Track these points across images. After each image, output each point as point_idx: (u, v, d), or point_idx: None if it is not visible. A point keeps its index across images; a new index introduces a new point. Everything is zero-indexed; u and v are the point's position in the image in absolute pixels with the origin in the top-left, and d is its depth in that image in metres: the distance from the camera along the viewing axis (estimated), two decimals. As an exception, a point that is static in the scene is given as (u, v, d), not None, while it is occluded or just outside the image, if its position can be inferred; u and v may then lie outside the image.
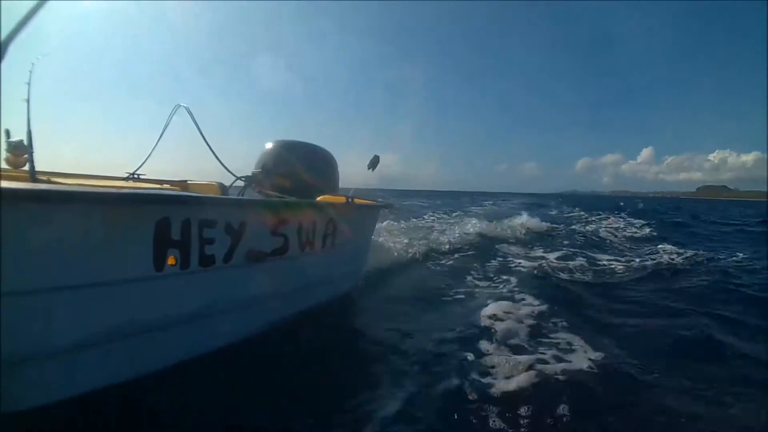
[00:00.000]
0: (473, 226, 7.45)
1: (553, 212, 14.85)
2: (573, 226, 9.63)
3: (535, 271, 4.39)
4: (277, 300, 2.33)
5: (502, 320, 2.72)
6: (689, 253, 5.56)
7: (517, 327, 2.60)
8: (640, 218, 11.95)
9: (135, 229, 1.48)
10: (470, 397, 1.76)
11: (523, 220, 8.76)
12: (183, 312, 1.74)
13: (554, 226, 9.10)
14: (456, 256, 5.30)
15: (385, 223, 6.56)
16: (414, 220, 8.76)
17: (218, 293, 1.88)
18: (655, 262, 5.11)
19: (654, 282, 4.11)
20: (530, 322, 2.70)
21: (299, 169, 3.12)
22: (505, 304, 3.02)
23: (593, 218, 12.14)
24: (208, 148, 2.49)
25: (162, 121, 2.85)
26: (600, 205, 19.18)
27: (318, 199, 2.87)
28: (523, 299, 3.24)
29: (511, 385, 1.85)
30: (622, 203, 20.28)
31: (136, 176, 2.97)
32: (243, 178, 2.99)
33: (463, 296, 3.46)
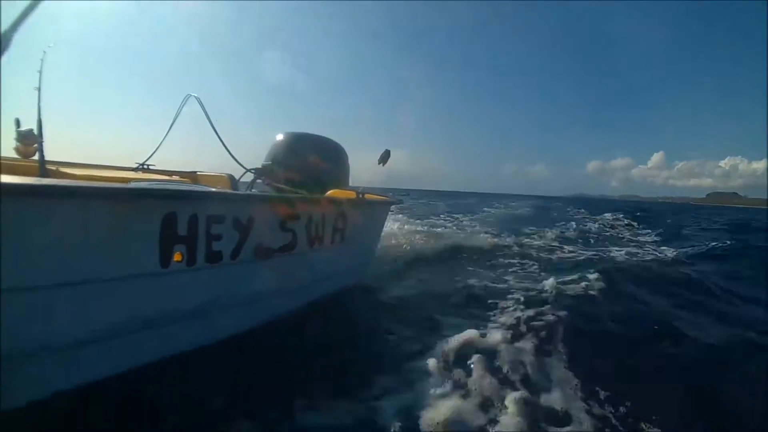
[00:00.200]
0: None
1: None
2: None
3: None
4: (282, 296, 2.29)
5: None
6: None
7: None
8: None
9: (141, 225, 1.44)
10: (473, 392, 1.74)
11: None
12: (187, 309, 1.71)
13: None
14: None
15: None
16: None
17: (224, 290, 1.85)
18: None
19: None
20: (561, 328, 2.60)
21: (310, 161, 3.07)
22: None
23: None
24: (218, 139, 2.45)
25: (173, 112, 2.83)
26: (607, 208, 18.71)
27: (329, 192, 2.82)
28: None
29: (521, 383, 1.84)
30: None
31: (145, 167, 2.95)
32: (253, 170, 2.95)
33: (463, 296, 3.39)
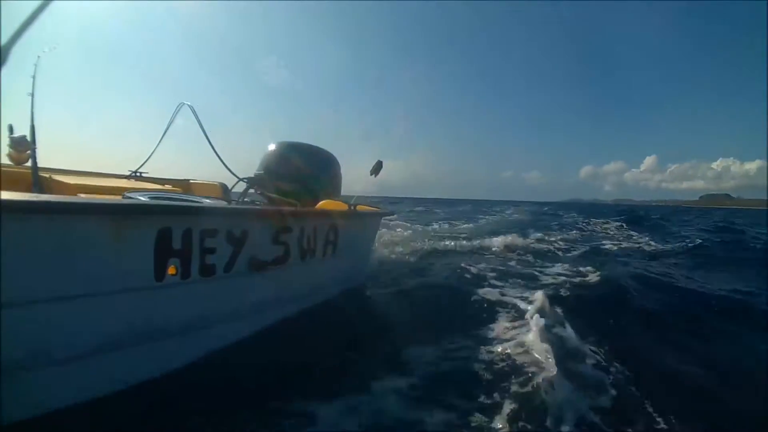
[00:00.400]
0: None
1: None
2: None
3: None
4: (275, 308, 2.31)
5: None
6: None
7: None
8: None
9: (137, 240, 1.46)
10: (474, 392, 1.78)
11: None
12: (181, 322, 1.72)
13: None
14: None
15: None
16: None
17: (217, 303, 1.86)
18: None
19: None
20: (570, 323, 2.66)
21: (302, 171, 3.10)
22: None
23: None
24: (211, 148, 2.46)
25: (166, 120, 2.84)
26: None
27: (321, 203, 2.85)
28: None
29: (521, 383, 1.87)
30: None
31: (138, 174, 2.95)
32: (245, 180, 2.96)
33: (464, 297, 3.40)
